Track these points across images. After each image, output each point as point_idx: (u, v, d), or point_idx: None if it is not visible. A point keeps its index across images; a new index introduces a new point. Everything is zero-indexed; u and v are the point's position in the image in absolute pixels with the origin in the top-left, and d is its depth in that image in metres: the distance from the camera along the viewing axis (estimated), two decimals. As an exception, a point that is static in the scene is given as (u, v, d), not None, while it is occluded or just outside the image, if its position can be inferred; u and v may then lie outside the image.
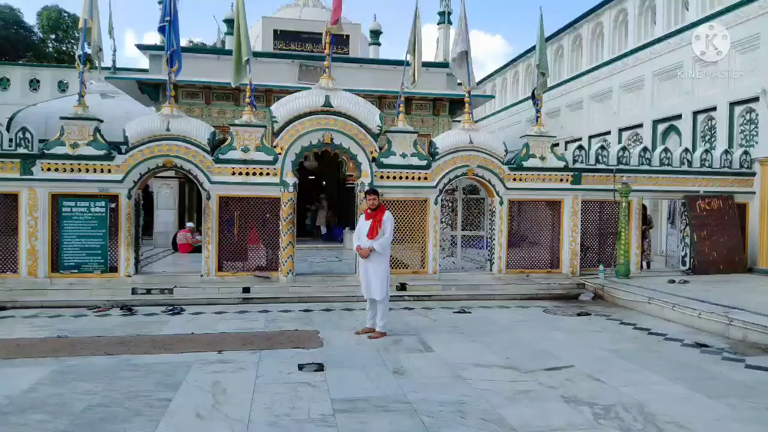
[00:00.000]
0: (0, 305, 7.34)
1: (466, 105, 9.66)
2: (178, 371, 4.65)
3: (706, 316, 6.59)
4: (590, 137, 16.93)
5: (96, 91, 16.44)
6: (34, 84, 22.22)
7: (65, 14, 30.13)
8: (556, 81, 18.43)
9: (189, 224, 13.19)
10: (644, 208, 10.66)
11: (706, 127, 12.76)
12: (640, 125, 14.77)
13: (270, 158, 8.59)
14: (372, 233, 5.94)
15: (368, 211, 6.10)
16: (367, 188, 8.05)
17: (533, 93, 10.05)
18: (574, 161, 9.89)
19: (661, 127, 14.13)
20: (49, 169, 8.09)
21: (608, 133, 16.05)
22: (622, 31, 15.94)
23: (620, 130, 15.53)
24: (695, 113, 12.89)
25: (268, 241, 8.74)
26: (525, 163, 9.51)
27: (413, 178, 9.08)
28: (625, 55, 15.30)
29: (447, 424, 3.60)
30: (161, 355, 5.16)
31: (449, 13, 19.89)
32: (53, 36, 30.43)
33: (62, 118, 8.29)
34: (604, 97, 16.41)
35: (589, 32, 17.16)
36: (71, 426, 3.50)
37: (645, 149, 10.38)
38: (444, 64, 15.94)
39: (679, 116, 13.37)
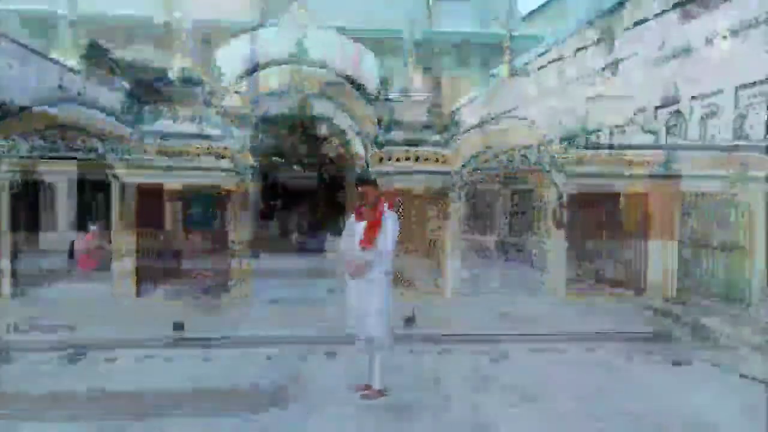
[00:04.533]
0: None
1: (506, 51, 9.64)
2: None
3: None
4: (691, 98, 16.80)
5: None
6: None
7: None
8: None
9: (93, 227, 13.15)
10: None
11: None
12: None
13: (216, 132, 8.56)
14: (367, 241, 5.87)
15: (361, 208, 6.04)
16: (359, 176, 8.01)
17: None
18: (667, 134, 9.86)
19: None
20: None
21: (720, 92, 15.90)
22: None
23: (737, 89, 15.36)
24: None
25: (216, 252, 8.75)
26: (594, 141, 9.48)
27: (427, 161, 9.07)
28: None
29: None
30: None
31: None
32: None
33: None
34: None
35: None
36: None
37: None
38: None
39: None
